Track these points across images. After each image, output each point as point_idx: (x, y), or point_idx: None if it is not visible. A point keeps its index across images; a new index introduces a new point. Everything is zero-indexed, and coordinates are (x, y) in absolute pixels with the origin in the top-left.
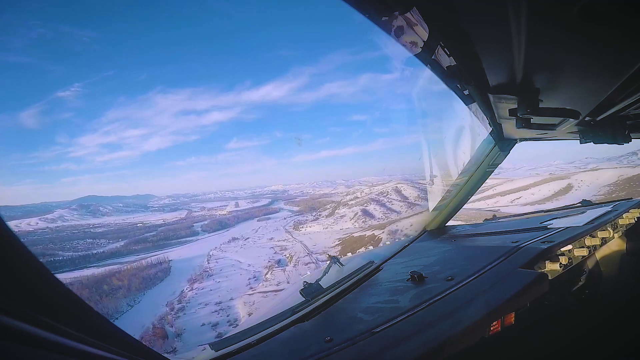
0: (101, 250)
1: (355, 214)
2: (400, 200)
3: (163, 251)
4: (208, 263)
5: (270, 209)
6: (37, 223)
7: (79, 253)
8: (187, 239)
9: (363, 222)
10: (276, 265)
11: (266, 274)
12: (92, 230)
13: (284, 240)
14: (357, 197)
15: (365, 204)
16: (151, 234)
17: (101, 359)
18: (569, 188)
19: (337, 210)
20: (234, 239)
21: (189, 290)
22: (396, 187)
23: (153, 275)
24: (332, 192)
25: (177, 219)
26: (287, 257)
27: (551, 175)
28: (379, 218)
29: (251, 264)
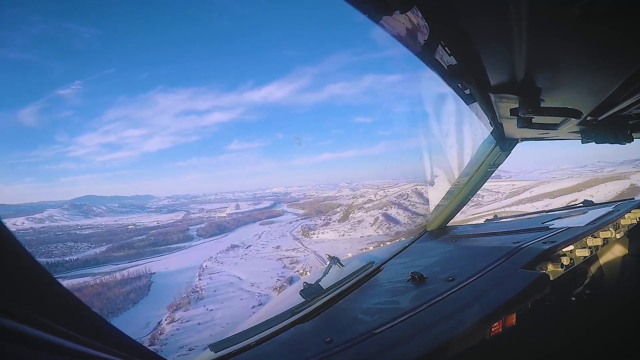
0: (76, 257)
1: (376, 219)
2: (424, 204)
3: (148, 260)
4: (199, 279)
5: (273, 212)
6: (23, 223)
7: (51, 259)
8: (180, 245)
9: (387, 228)
10: (288, 286)
11: None
12: (77, 232)
13: (293, 250)
14: (372, 200)
15: (384, 208)
16: (140, 237)
17: None
18: (635, 188)
19: (351, 215)
20: (234, 246)
21: (168, 323)
22: (416, 188)
23: (125, 296)
24: (337, 194)
25: (172, 220)
26: (301, 274)
27: (604, 175)
28: (405, 223)
29: (255, 282)
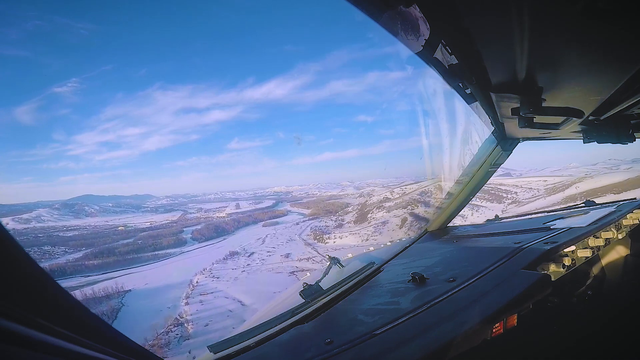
0: (42, 266)
1: (404, 220)
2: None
3: (127, 270)
4: (186, 303)
5: (276, 212)
6: (7, 224)
7: None
8: (169, 250)
9: (419, 229)
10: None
11: None
12: (60, 234)
13: (307, 260)
14: (389, 199)
15: (409, 207)
16: (127, 241)
17: None
18: None
19: (369, 215)
20: (233, 253)
21: None
22: (439, 184)
23: None
24: (341, 193)
25: (167, 221)
26: None
27: None
28: None
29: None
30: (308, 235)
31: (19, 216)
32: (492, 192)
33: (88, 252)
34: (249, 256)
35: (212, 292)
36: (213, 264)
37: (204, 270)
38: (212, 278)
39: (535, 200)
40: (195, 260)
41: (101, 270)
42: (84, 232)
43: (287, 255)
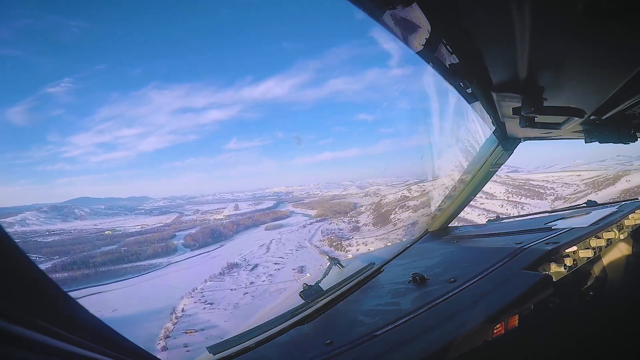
0: None
1: (434, 218)
2: (489, 198)
3: (98, 287)
4: (164, 349)
5: (278, 213)
6: None
7: None
8: (155, 261)
9: None
10: None
11: None
12: (39, 239)
13: None
14: (408, 197)
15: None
16: (108, 248)
17: None
18: None
19: (392, 216)
20: (232, 266)
21: None
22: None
23: None
24: (344, 193)
25: (160, 224)
26: None
27: None
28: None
29: None
30: (321, 240)
31: (4, 219)
32: (526, 187)
33: (57, 262)
34: (251, 270)
35: (202, 329)
36: (206, 281)
37: (193, 291)
38: (204, 304)
39: (584, 195)
40: (185, 274)
41: (65, 288)
42: (66, 237)
43: (301, 269)
